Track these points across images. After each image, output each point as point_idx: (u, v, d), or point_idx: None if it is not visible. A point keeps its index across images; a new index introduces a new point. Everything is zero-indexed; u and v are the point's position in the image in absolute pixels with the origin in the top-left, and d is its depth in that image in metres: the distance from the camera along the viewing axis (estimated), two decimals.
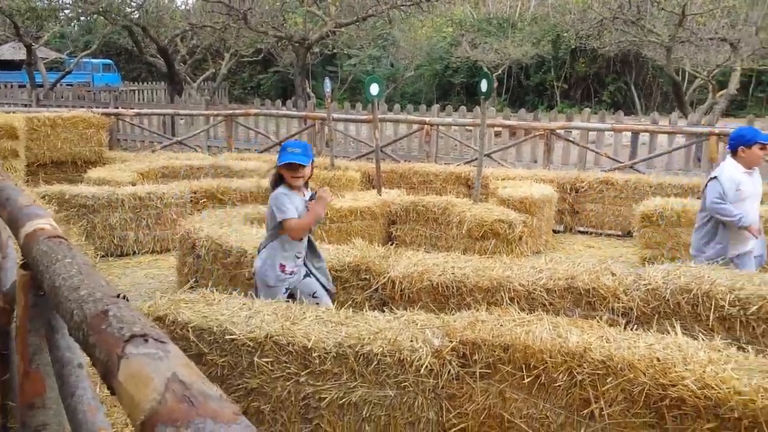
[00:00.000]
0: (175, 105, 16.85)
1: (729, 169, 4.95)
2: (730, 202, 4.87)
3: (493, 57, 26.23)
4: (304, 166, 4.02)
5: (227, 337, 3.31)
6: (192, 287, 5.20)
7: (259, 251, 4.28)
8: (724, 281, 3.85)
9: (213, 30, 20.25)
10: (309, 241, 4.30)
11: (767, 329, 3.54)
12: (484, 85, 7.06)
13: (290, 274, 4.18)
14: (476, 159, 7.82)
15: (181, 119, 16.24)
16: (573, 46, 25.78)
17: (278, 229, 4.09)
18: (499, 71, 27.21)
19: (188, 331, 3.39)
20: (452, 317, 3.47)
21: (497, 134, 15.54)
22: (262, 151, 13.08)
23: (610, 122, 11.77)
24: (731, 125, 16.48)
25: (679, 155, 13.07)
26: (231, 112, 13.65)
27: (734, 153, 4.97)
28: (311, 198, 4.13)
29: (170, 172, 9.31)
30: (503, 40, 27.34)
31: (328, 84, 8.94)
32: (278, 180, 4.12)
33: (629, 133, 12.73)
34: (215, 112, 13.87)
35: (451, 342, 3.23)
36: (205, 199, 7.62)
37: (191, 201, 7.60)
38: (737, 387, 2.60)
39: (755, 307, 3.61)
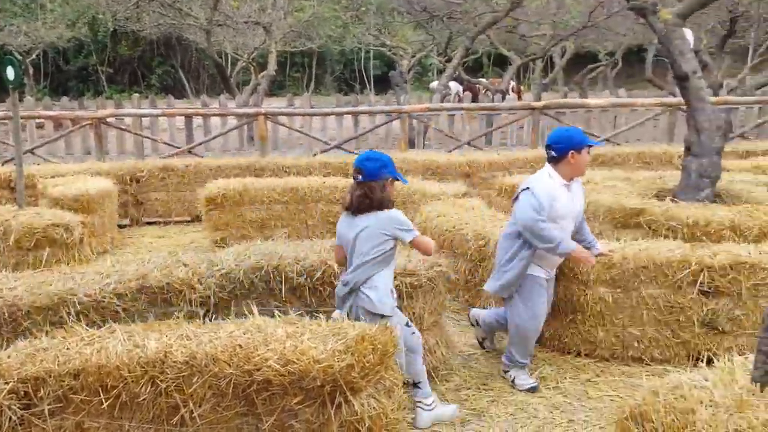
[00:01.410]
0: None
1: (546, 181, 3.91)
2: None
3: (24, 40, 23.40)
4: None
5: None
6: None
7: (358, 286, 3.40)
8: (290, 253, 4.04)
9: None
10: None
11: (332, 292, 3.82)
12: (10, 73, 6.13)
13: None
14: (15, 158, 6.80)
15: None
16: (112, 29, 24.59)
17: (391, 252, 3.44)
18: (33, 56, 24.49)
19: None
20: (5, 352, 2.89)
21: (40, 126, 14.01)
22: None
23: (161, 107, 11.61)
24: (275, 105, 17.83)
25: (233, 136, 13.64)
26: None
27: (558, 160, 3.90)
28: None
29: None
30: (33, 21, 24.57)
31: None
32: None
33: (183, 117, 12.73)
34: None
35: (7, 383, 2.68)
36: None
37: None
38: (315, 356, 2.71)
39: (319, 273, 3.87)
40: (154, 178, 8.39)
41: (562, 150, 3.87)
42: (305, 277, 3.89)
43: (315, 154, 10.34)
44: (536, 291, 3.98)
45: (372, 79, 32.50)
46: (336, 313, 3.49)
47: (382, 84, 30.32)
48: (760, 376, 2.30)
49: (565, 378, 4.09)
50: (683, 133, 9.76)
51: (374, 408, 2.79)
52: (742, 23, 15.64)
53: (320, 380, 2.69)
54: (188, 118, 12.73)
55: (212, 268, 3.94)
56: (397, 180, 3.54)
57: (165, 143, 11.42)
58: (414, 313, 3.88)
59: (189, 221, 8.46)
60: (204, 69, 31.74)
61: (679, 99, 10.18)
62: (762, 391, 2.26)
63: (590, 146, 3.93)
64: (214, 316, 3.67)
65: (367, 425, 2.76)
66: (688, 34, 6.60)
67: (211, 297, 3.83)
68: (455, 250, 5.20)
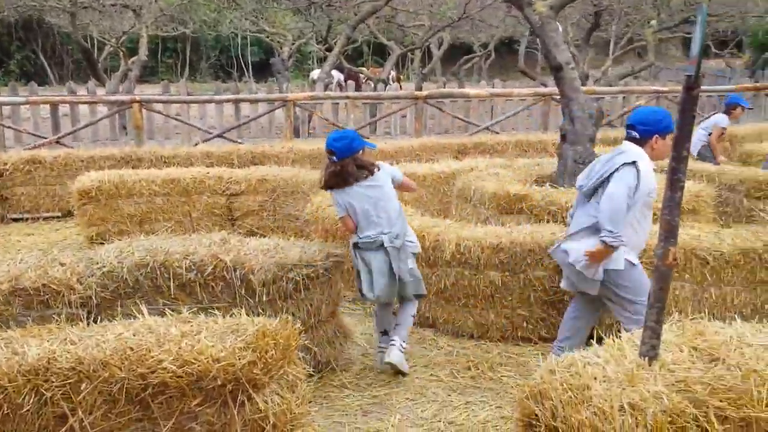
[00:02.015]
0: None
1: (648, 161, 3.59)
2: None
3: None
4: None
5: None
6: None
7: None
8: (177, 248, 3.86)
9: None
10: None
11: (225, 287, 3.70)
12: None
13: None
14: None
15: None
16: None
17: None
18: None
19: None
20: None
21: None
22: None
23: (24, 95, 10.74)
24: (149, 92, 17.02)
25: (104, 125, 12.88)
26: None
27: (639, 142, 3.61)
28: None
29: None
30: None
31: None
32: None
33: (48, 106, 11.88)
34: None
35: None
36: None
37: None
38: (215, 354, 2.60)
39: (210, 268, 3.72)
40: (20, 171, 7.76)
41: (646, 132, 3.60)
42: (195, 272, 3.72)
43: (196, 144, 9.98)
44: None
45: (250, 65, 31.79)
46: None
47: (262, 71, 29.74)
48: (647, 350, 2.44)
49: (461, 361, 4.18)
50: (556, 122, 10.26)
51: (278, 404, 2.72)
52: (605, 17, 16.64)
53: (221, 379, 2.58)
54: (54, 106, 11.88)
55: (92, 267, 3.70)
56: (367, 147, 4.06)
57: (29, 133, 10.62)
58: (312, 305, 3.83)
59: (60, 217, 7.91)
60: (68, 54, 29.76)
61: (552, 89, 10.71)
62: (650, 365, 2.40)
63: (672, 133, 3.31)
64: (98, 318, 3.44)
65: (271, 422, 2.68)
66: (558, 26, 6.92)
67: (93, 297, 3.59)
68: (348, 240, 5.18)
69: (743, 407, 2.25)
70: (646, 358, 2.43)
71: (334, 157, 3.88)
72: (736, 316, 3.64)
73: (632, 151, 3.59)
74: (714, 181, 6.55)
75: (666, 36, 18.02)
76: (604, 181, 3.57)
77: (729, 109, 8.06)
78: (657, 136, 3.59)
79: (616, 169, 3.53)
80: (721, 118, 8.01)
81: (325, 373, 3.96)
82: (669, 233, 2.28)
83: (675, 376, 2.33)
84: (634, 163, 3.51)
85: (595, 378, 2.41)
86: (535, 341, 4.43)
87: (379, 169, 3.99)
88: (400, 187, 4.13)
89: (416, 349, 4.35)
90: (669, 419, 2.19)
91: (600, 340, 2.88)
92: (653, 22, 16.73)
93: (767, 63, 25.33)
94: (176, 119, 12.01)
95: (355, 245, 3.96)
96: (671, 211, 2.25)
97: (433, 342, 4.45)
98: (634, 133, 3.64)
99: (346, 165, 3.88)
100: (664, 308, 2.40)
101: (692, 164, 7.15)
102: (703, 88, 14.23)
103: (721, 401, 2.25)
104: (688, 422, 2.20)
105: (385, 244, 3.83)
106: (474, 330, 4.50)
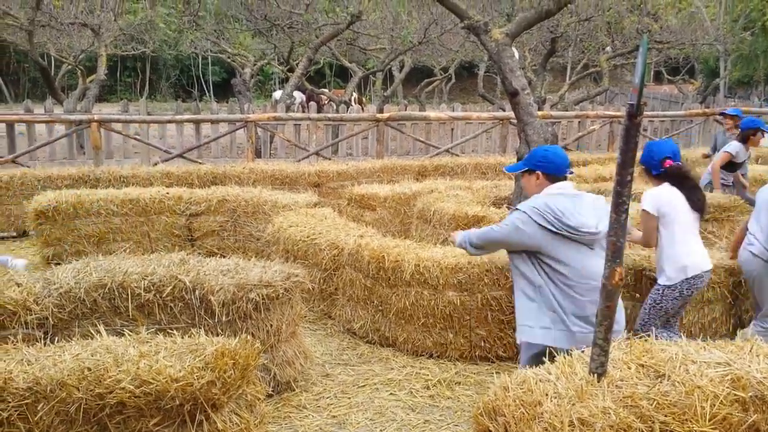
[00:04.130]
0: None
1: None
2: None
3: None
4: None
5: None
6: None
7: None
8: (136, 268, 3.85)
9: None
10: None
11: (184, 307, 3.69)
12: None
13: None
14: None
15: None
16: None
17: None
18: None
19: None
20: None
21: None
22: None
23: None
24: (107, 111, 16.78)
25: (62, 144, 12.68)
26: None
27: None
28: None
29: None
30: None
31: None
32: None
33: (3, 125, 11.66)
34: None
35: None
36: None
37: None
38: (173, 374, 2.61)
39: (169, 288, 3.71)
40: None
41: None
42: (154, 293, 3.72)
43: (155, 164, 9.90)
44: None
45: (212, 85, 31.65)
46: None
47: (223, 91, 29.63)
48: (596, 367, 2.53)
49: (420, 380, 4.24)
50: (514, 145, 10.46)
51: (237, 423, 2.74)
52: (561, 43, 17.11)
53: (179, 399, 2.59)
54: (10, 125, 11.66)
55: (49, 287, 3.67)
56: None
57: None
58: (271, 325, 3.85)
59: (16, 237, 7.75)
60: (25, 72, 29.26)
61: (509, 113, 10.95)
62: (599, 381, 2.49)
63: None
64: (55, 339, 3.41)
65: None
66: (515, 52, 7.12)
67: (50, 318, 3.56)
68: (309, 260, 5.22)
69: (687, 422, 2.35)
70: (595, 375, 2.52)
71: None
72: (682, 335, 3.79)
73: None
74: None
75: (620, 62, 18.59)
76: None
77: (745, 135, 6.89)
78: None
79: None
80: (730, 145, 6.97)
81: (284, 393, 3.97)
82: (615, 254, 2.38)
83: (622, 392, 2.42)
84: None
85: (547, 394, 2.49)
86: (492, 360, 4.51)
87: None
88: None
89: (376, 368, 4.39)
90: None
91: (552, 356, 2.97)
92: (608, 48, 17.28)
93: (717, 89, 26.30)
94: (135, 139, 11.90)
95: None
96: (616, 233, 2.36)
97: (392, 361, 4.50)
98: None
99: None
100: (612, 326, 2.49)
101: (642, 187, 7.38)
102: (654, 113, 14.71)
103: (666, 416, 2.34)
104: None
105: None
106: (433, 349, 4.56)
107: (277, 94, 17.02)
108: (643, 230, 4.09)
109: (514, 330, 4.46)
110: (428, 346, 4.56)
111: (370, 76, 22.84)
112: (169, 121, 11.95)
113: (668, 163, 4.00)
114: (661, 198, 3.99)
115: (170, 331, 3.27)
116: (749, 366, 2.55)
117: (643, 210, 4.03)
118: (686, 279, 3.96)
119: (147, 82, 31.98)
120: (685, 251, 3.98)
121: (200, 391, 2.59)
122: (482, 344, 4.50)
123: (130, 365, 2.66)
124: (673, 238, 3.96)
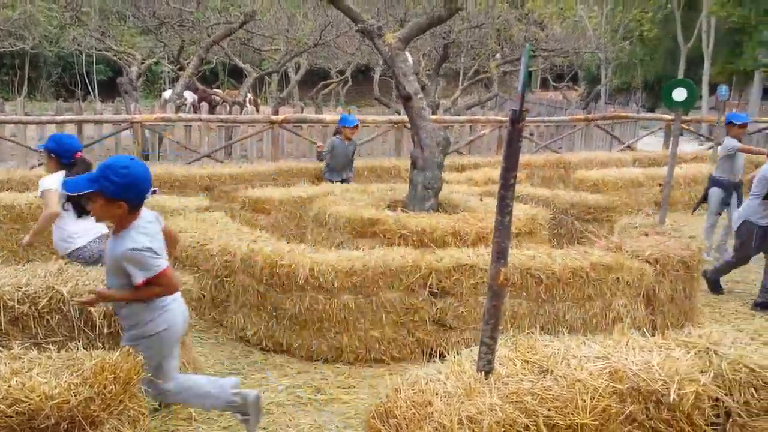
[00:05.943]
0: None
1: None
2: None
3: None
4: None
5: None
6: None
7: None
8: (9, 279, 3.59)
9: None
10: None
11: (62, 319, 3.48)
12: None
13: None
14: None
15: None
16: None
17: None
18: None
19: None
20: None
21: None
22: None
23: None
24: None
25: None
26: None
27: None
28: None
29: None
30: None
31: None
32: None
33: None
34: None
35: None
36: None
37: None
38: (48, 392, 2.45)
39: (46, 300, 3.49)
40: None
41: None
42: (29, 305, 3.48)
43: (33, 167, 9.31)
44: None
45: (96, 84, 30.16)
46: None
47: (109, 90, 28.29)
48: (483, 365, 2.60)
49: (314, 385, 4.20)
50: (409, 148, 10.61)
51: None
52: (453, 49, 17.54)
53: (54, 418, 2.44)
54: None
55: None
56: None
57: None
58: None
59: None
60: None
61: (404, 117, 11.09)
62: (486, 379, 2.56)
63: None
64: None
65: None
66: (408, 57, 7.23)
67: None
68: (199, 267, 5.06)
69: (569, 415, 2.46)
70: (483, 372, 2.58)
71: None
72: (565, 331, 3.97)
73: None
74: (549, 205, 7.08)
75: (509, 69, 19.29)
76: None
77: (728, 131, 7.37)
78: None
79: None
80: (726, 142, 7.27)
81: (172, 406, 3.82)
82: (500, 254, 2.45)
83: (508, 388, 2.49)
84: None
85: (437, 394, 2.53)
86: (387, 362, 4.54)
87: None
88: None
89: (269, 376, 4.31)
90: (503, 430, 2.35)
91: (442, 356, 3.03)
92: (497, 55, 17.89)
93: (599, 95, 27.84)
94: (11, 140, 11.14)
95: None
96: (501, 234, 2.43)
97: (286, 368, 4.44)
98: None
99: None
100: (498, 324, 2.57)
101: (528, 190, 7.71)
102: (539, 118, 15.36)
103: (549, 410, 2.44)
104: (520, 431, 2.37)
105: None
106: (328, 353, 4.53)
107: (167, 93, 16.44)
108: None
109: (408, 330, 4.53)
110: (323, 351, 4.53)
111: (266, 77, 22.54)
112: (49, 122, 11.28)
113: None
114: None
115: (46, 345, 3.07)
116: (626, 359, 2.69)
117: None
118: None
119: (26, 80, 30.08)
120: None
121: (78, 409, 2.45)
122: (377, 346, 4.53)
123: (0, 383, 2.48)
124: None
